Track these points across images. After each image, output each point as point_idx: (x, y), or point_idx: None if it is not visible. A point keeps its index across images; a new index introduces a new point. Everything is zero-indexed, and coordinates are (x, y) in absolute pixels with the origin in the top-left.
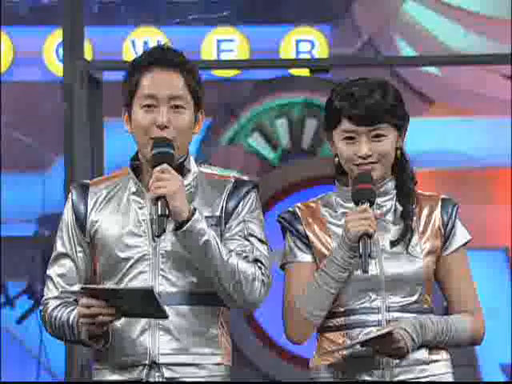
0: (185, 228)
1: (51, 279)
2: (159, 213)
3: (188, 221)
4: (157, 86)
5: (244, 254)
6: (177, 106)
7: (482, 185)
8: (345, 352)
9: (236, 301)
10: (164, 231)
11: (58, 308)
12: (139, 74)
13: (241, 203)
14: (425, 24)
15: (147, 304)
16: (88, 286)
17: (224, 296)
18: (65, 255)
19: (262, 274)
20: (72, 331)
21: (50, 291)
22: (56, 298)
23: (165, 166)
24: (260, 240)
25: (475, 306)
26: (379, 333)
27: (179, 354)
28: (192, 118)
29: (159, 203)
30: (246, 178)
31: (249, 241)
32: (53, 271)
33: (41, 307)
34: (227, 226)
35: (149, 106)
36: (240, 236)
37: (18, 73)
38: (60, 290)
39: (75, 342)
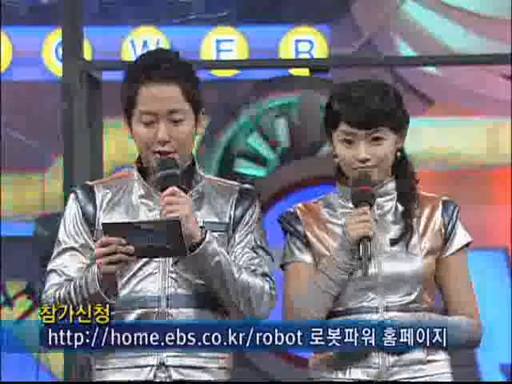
0: (197, 251)
1: (54, 271)
2: None
3: (200, 243)
4: (154, 102)
5: (252, 268)
6: (176, 120)
7: (482, 185)
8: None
9: (245, 314)
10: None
11: (61, 287)
12: (136, 87)
13: (247, 213)
14: (425, 24)
15: (170, 239)
16: (109, 222)
17: (232, 310)
18: (69, 249)
19: (270, 288)
20: (80, 291)
21: (53, 281)
22: (59, 284)
23: (174, 188)
24: (266, 251)
25: (473, 308)
26: None
27: (187, 357)
28: (192, 126)
29: None
30: (248, 187)
31: (256, 253)
32: (56, 264)
33: (43, 296)
34: (234, 234)
35: (147, 122)
36: (248, 248)
37: (18, 73)
38: (64, 278)
39: (82, 304)
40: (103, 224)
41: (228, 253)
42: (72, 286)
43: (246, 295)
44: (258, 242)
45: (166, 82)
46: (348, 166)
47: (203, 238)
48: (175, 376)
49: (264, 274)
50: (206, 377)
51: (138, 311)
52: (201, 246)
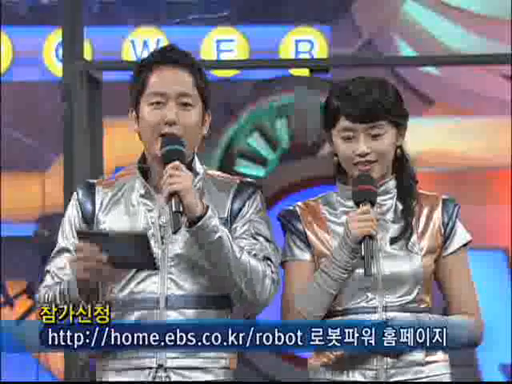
0: (199, 224)
1: (49, 272)
2: (174, 209)
3: (202, 217)
4: (165, 83)
5: (253, 252)
6: (185, 104)
7: (482, 185)
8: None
9: (248, 298)
10: (180, 228)
11: (50, 289)
12: (147, 73)
13: (246, 204)
14: (425, 24)
15: (140, 252)
16: (83, 230)
17: (236, 293)
18: (66, 250)
19: (272, 271)
20: (63, 297)
21: (46, 282)
22: (50, 286)
23: (177, 163)
24: (267, 239)
25: (474, 307)
26: None
27: (186, 358)
28: (200, 116)
29: (173, 200)
30: (249, 180)
31: (256, 239)
32: (52, 265)
33: (36, 297)
34: (233, 226)
35: (157, 103)
36: (247, 235)
37: (18, 73)
38: (55, 280)
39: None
40: (77, 231)
41: None
42: (58, 291)
43: (248, 276)
44: (258, 230)
45: (178, 67)
46: (348, 163)
47: (205, 213)
48: (174, 378)
49: (265, 258)
50: (206, 377)
51: (137, 312)
52: (202, 220)
